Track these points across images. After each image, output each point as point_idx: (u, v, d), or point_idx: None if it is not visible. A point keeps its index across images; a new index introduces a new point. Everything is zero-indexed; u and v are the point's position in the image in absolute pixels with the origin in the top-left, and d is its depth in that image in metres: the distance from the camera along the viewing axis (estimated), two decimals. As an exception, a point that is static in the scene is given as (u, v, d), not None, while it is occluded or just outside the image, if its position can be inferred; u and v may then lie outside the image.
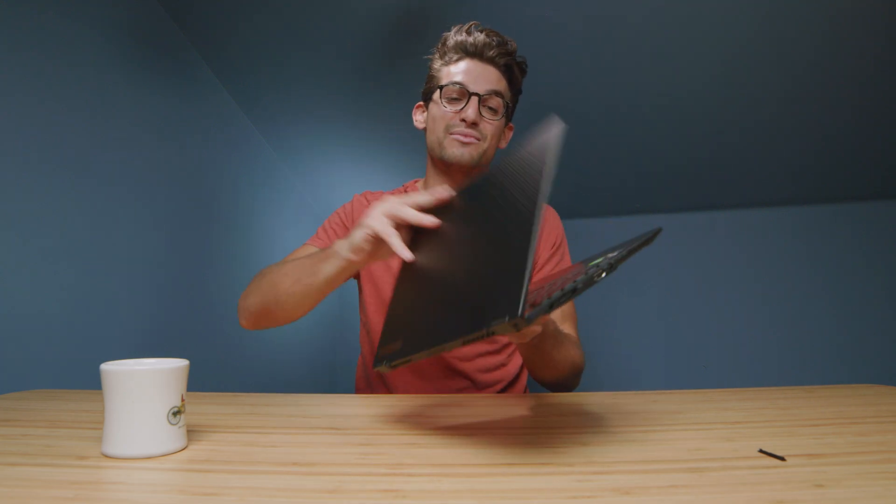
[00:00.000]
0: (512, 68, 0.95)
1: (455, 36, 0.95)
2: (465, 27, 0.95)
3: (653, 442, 0.52)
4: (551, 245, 1.01)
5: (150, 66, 1.58)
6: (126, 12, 1.50)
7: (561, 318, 0.94)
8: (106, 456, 0.48)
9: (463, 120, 0.92)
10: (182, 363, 0.51)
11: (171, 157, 1.66)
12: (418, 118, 1.03)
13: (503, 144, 1.03)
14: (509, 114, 0.99)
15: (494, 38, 0.93)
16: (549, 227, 1.03)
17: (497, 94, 0.93)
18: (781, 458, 0.46)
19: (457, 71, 0.94)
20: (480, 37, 0.93)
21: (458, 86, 0.92)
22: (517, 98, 1.01)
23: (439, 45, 0.97)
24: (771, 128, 1.99)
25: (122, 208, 1.44)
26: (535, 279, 0.88)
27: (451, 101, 0.93)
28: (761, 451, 0.48)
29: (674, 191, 2.46)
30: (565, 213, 1.16)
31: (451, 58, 0.95)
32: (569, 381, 0.87)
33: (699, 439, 0.53)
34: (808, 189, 2.37)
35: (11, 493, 0.40)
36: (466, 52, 0.94)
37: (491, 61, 0.93)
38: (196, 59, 1.82)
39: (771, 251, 2.54)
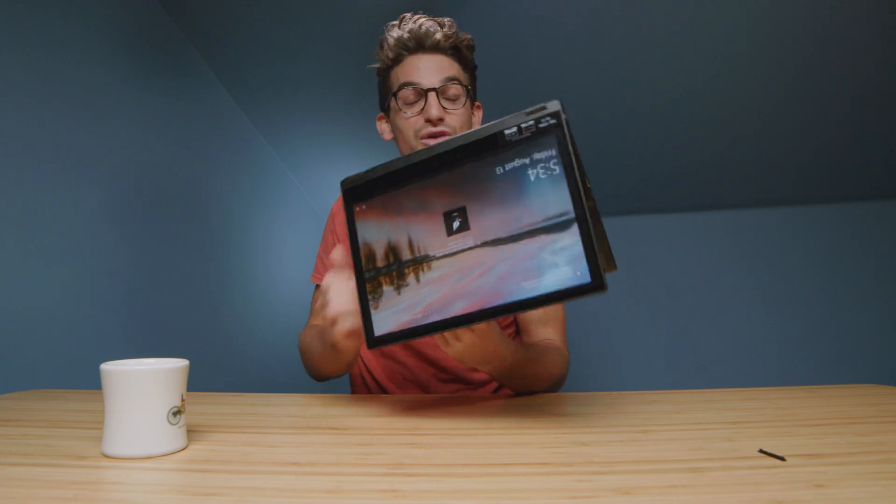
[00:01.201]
0: (459, 49, 0.89)
1: (391, 35, 0.89)
2: (397, 22, 0.89)
3: (653, 442, 0.52)
4: None
5: (150, 66, 1.58)
6: (126, 12, 1.50)
7: (543, 321, 0.90)
8: (106, 456, 0.48)
9: (428, 120, 0.86)
10: (182, 363, 0.51)
11: (171, 157, 1.66)
12: (383, 128, 0.97)
13: (476, 126, 0.98)
14: (472, 95, 0.94)
15: (431, 24, 0.87)
16: None
17: (452, 80, 0.87)
18: (781, 458, 0.46)
19: (405, 71, 0.88)
20: (416, 28, 0.87)
21: (411, 86, 0.87)
22: (474, 75, 0.95)
23: (379, 50, 0.92)
24: (770, 128, 1.98)
25: (122, 208, 1.44)
26: None
27: (409, 104, 0.88)
28: (761, 451, 0.48)
29: (674, 191, 2.46)
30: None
31: (395, 59, 0.90)
32: (547, 390, 0.82)
33: (699, 439, 0.53)
34: (808, 189, 2.37)
35: (11, 493, 0.40)
36: (407, 48, 0.88)
37: (435, 49, 0.88)
38: (196, 59, 1.82)
39: (771, 251, 2.53)
